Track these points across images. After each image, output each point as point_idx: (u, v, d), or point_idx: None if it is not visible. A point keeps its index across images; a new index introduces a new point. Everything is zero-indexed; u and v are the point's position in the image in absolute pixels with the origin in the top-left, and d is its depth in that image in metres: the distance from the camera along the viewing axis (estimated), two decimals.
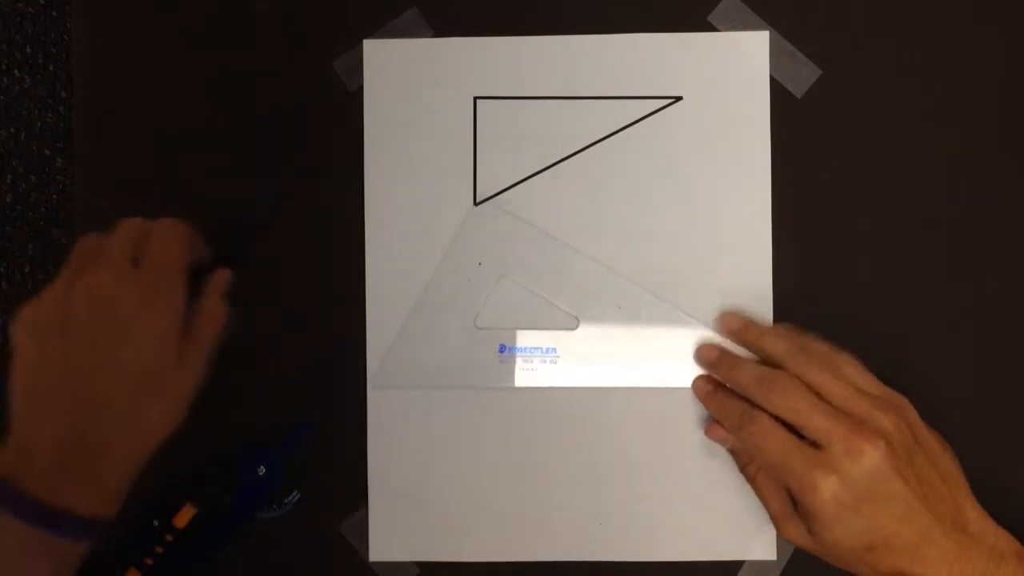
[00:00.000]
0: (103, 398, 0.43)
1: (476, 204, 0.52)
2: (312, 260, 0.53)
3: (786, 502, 0.46)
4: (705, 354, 0.50)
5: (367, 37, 0.53)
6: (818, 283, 0.52)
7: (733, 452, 0.50)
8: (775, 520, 0.47)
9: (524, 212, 0.52)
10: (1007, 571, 0.43)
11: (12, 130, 0.55)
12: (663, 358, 0.51)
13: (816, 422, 0.44)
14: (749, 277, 0.51)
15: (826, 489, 0.42)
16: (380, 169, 0.53)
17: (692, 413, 0.51)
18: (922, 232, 0.51)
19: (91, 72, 0.54)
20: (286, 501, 0.50)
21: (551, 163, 0.52)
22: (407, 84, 0.53)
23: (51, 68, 0.55)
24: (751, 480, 0.48)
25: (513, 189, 0.52)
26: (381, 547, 0.52)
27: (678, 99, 0.52)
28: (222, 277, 0.48)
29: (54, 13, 0.55)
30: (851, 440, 0.43)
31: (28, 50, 0.55)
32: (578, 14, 0.52)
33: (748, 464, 0.48)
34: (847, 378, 0.46)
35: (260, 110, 0.53)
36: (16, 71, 0.54)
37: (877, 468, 0.42)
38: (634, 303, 0.52)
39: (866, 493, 0.42)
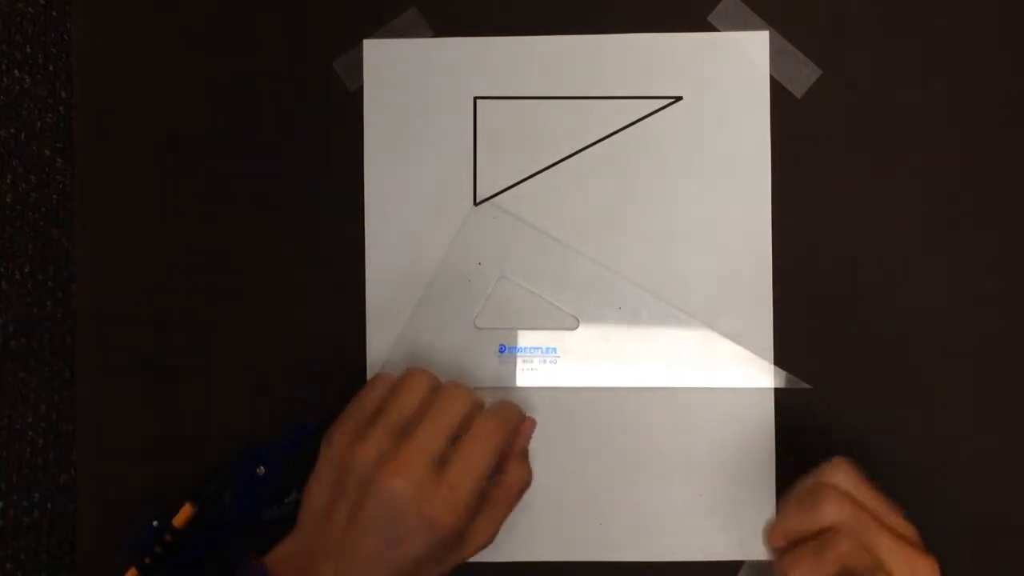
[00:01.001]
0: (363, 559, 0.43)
1: (476, 204, 0.52)
2: (312, 260, 0.53)
3: None
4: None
5: (367, 37, 0.53)
6: (818, 283, 0.51)
7: None
8: None
9: (524, 212, 0.52)
10: None
11: (12, 130, 0.54)
12: (663, 358, 0.51)
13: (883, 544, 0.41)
14: (749, 277, 0.51)
15: None
16: (380, 169, 0.53)
17: (692, 413, 0.51)
18: (922, 232, 0.51)
19: (91, 72, 0.54)
20: (286, 501, 0.50)
21: (551, 163, 0.52)
22: (407, 84, 0.53)
23: (51, 68, 0.55)
24: None
25: (513, 189, 0.52)
26: None
27: (678, 99, 0.52)
28: (527, 430, 0.48)
29: (54, 13, 0.55)
30: (915, 562, 0.40)
31: (28, 50, 0.55)
32: (578, 14, 0.52)
33: None
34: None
35: (260, 110, 0.53)
36: (16, 71, 0.54)
37: None
38: (634, 303, 0.52)
39: None
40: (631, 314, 0.52)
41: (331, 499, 0.44)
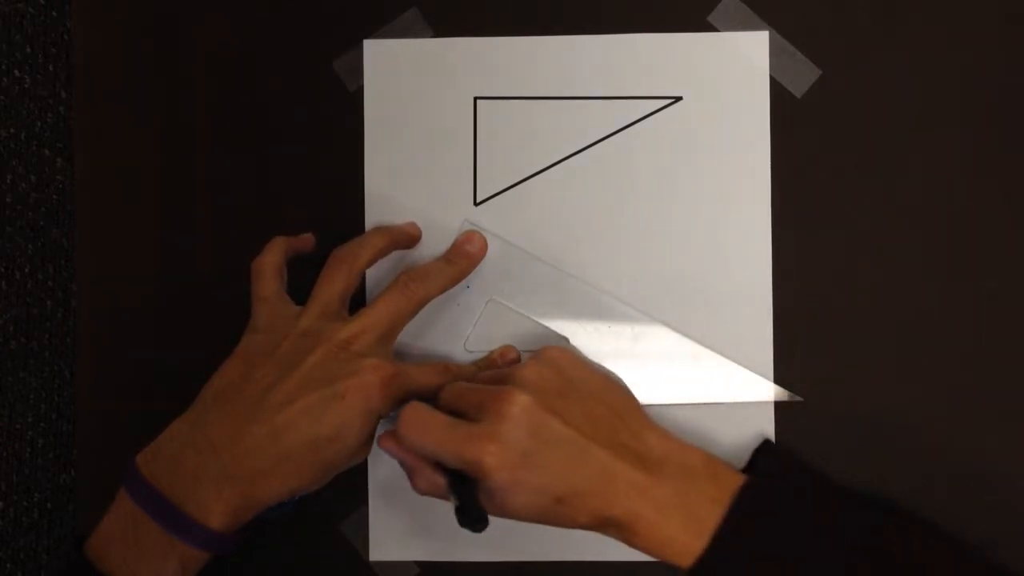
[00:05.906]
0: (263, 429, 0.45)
1: (476, 204, 0.52)
2: (312, 260, 0.53)
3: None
4: None
5: (367, 37, 0.53)
6: (818, 283, 0.51)
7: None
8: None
9: (524, 212, 0.52)
10: (699, 487, 0.43)
11: (12, 130, 0.55)
12: (654, 376, 0.51)
13: (462, 402, 0.44)
14: (748, 277, 0.51)
15: (490, 457, 0.42)
16: (380, 169, 0.53)
17: (689, 426, 0.51)
18: (922, 232, 0.51)
19: (91, 72, 0.54)
20: (286, 501, 0.50)
21: (551, 163, 0.52)
22: (407, 84, 0.53)
23: (51, 68, 0.55)
24: (425, 489, 0.45)
25: (513, 189, 0.52)
26: (381, 547, 0.52)
27: (678, 99, 0.52)
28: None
29: (54, 13, 0.55)
30: (492, 402, 0.43)
31: (28, 50, 0.55)
32: (578, 14, 0.52)
33: (417, 474, 0.46)
34: None
35: (260, 110, 0.53)
36: (16, 71, 0.54)
37: (526, 418, 0.42)
38: (623, 322, 0.51)
39: (528, 446, 0.42)
40: (620, 332, 0.51)
41: (241, 377, 0.46)
